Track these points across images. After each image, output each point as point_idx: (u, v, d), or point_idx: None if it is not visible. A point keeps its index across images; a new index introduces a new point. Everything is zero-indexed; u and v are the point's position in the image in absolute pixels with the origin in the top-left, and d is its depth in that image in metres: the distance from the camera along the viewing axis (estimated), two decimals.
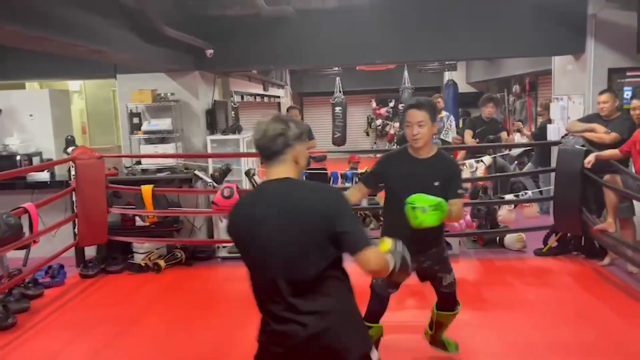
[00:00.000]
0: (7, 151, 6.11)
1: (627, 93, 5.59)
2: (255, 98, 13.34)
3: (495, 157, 6.21)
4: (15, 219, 4.30)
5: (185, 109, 6.25)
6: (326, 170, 6.82)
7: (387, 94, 15.62)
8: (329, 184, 6.29)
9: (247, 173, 5.77)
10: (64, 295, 4.98)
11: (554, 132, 6.13)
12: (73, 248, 5.54)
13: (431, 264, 3.09)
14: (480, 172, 5.88)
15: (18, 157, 6.05)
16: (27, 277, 4.87)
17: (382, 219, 3.79)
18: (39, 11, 3.26)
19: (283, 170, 1.90)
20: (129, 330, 4.17)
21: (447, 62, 11.09)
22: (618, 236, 4.89)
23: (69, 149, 5.80)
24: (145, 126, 6.10)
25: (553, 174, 5.60)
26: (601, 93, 5.21)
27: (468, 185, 6.58)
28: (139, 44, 4.65)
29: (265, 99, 14.20)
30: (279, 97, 14.26)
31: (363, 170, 5.19)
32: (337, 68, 11.54)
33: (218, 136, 6.33)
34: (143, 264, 5.53)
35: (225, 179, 5.62)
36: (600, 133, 5.06)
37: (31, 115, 6.51)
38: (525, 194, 5.93)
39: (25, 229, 4.48)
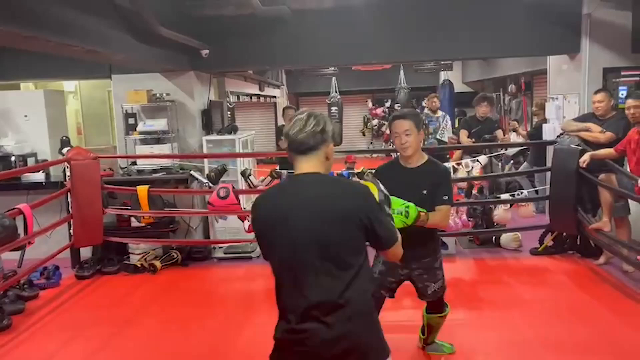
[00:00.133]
0: (2, 152, 6.07)
1: (622, 92, 5.60)
2: (251, 98, 13.36)
3: (491, 156, 6.22)
4: (10, 220, 4.28)
5: (180, 109, 6.24)
6: None
7: (383, 94, 15.64)
8: None
9: (243, 173, 5.78)
10: (59, 296, 4.96)
11: (549, 132, 6.15)
12: (68, 249, 5.52)
13: (421, 272, 3.15)
14: (476, 172, 5.90)
15: (13, 158, 6.03)
16: (22, 279, 4.85)
17: None
18: (34, 11, 3.24)
19: (315, 165, 1.91)
20: (124, 332, 4.16)
21: (443, 62, 11.10)
22: (613, 235, 4.91)
23: (64, 150, 5.78)
24: (140, 127, 6.08)
25: (549, 174, 5.61)
26: (596, 92, 5.23)
27: (464, 184, 6.60)
28: (134, 44, 4.64)
29: (261, 99, 14.21)
30: (275, 97, 14.27)
31: (359, 171, 5.19)
32: (333, 68, 11.53)
33: (214, 136, 6.32)
34: (139, 265, 5.52)
35: (221, 179, 5.61)
36: (596, 132, 5.07)
37: (26, 116, 6.49)
38: (521, 193, 5.94)
39: (20, 230, 4.46)
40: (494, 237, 5.93)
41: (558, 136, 5.62)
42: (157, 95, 6.06)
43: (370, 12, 5.91)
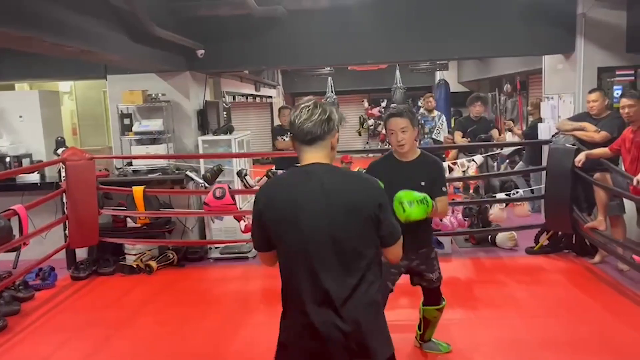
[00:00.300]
0: None
1: (617, 92, 5.63)
2: (247, 98, 13.35)
3: (486, 156, 6.23)
4: (4, 221, 4.27)
5: (176, 109, 6.22)
6: None
7: (379, 93, 15.66)
8: None
9: (239, 173, 5.77)
10: (54, 297, 4.95)
11: (544, 131, 6.16)
12: (64, 250, 5.50)
13: (419, 263, 3.22)
14: (472, 171, 5.91)
15: (8, 159, 6.00)
16: (18, 280, 4.83)
17: None
18: (28, 11, 3.23)
19: (322, 155, 1.89)
20: (120, 333, 4.15)
21: (438, 62, 11.13)
22: (608, 234, 4.92)
23: (59, 150, 5.76)
24: (136, 127, 6.07)
25: (544, 173, 5.63)
26: (591, 92, 5.25)
27: (460, 184, 6.61)
28: (129, 45, 4.63)
29: (257, 99, 14.20)
30: (271, 97, 14.26)
31: (355, 170, 5.20)
32: (329, 68, 11.55)
33: (209, 137, 6.31)
34: (135, 266, 5.51)
35: (217, 179, 5.60)
36: (591, 132, 5.09)
37: (21, 117, 6.46)
38: (517, 192, 5.95)
39: (15, 231, 4.45)
40: (489, 237, 5.94)
41: (553, 135, 5.64)
42: (153, 95, 6.05)
43: (366, 12, 5.91)
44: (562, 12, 5.88)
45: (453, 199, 6.79)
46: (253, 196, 6.73)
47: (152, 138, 6.03)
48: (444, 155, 7.40)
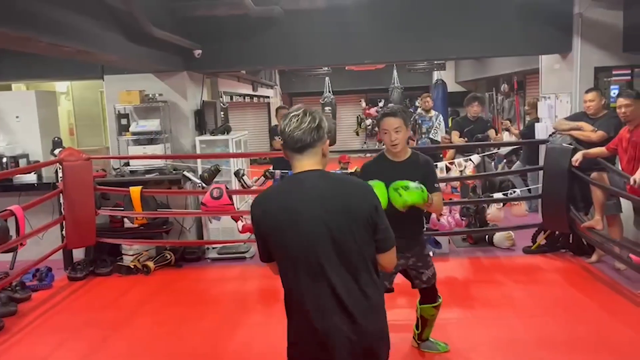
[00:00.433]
0: None
1: (614, 91, 5.64)
2: (244, 98, 13.35)
3: (484, 155, 6.24)
4: (1, 221, 4.27)
5: (173, 109, 6.22)
6: None
7: (376, 93, 15.66)
8: None
9: (237, 173, 5.77)
10: (52, 298, 4.94)
11: (541, 131, 6.18)
12: (61, 250, 5.49)
13: (415, 261, 3.26)
14: (469, 171, 5.92)
15: (4, 159, 5.99)
16: (15, 280, 4.82)
17: None
18: (24, 12, 3.22)
19: (314, 162, 1.90)
20: (118, 333, 4.14)
21: (436, 62, 11.14)
22: (605, 233, 4.93)
23: (56, 151, 5.75)
24: (133, 127, 6.06)
25: (541, 172, 5.64)
26: (587, 92, 5.26)
27: (457, 183, 6.61)
28: (126, 45, 4.62)
29: (255, 99, 14.20)
30: (268, 97, 14.26)
31: (353, 170, 5.19)
32: (326, 68, 11.55)
33: (207, 137, 6.31)
34: (132, 266, 5.50)
35: (215, 179, 5.60)
36: (587, 131, 5.10)
37: (17, 117, 6.45)
38: (514, 192, 5.96)
39: (12, 232, 4.44)
40: (487, 236, 5.95)
41: (550, 135, 5.65)
42: (150, 95, 6.04)
43: (363, 12, 5.92)
44: (559, 12, 5.90)
45: (450, 199, 6.81)
46: (251, 196, 6.70)
47: (150, 138, 6.02)
48: (441, 155, 7.41)
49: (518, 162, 7.40)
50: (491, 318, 4.12)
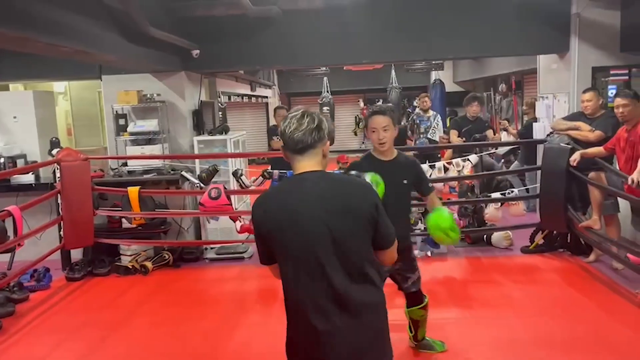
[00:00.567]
0: None
1: (612, 91, 5.65)
2: (242, 98, 13.34)
3: (482, 155, 6.25)
4: None
5: (171, 109, 6.21)
6: None
7: (374, 93, 15.65)
8: None
9: (235, 173, 5.77)
10: (49, 298, 4.93)
11: (539, 131, 6.18)
12: (59, 251, 5.48)
13: (401, 265, 3.22)
14: (467, 171, 5.92)
15: (2, 160, 5.98)
16: (12, 281, 4.81)
17: None
18: (22, 11, 3.21)
19: (313, 163, 1.90)
20: (116, 334, 4.14)
21: (434, 62, 11.14)
22: (603, 233, 4.94)
23: (54, 151, 5.74)
24: (131, 127, 6.05)
25: (539, 172, 5.65)
26: (585, 92, 5.27)
27: (455, 183, 6.62)
28: (124, 45, 4.61)
29: (253, 99, 14.20)
30: (266, 97, 14.26)
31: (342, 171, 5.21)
32: (324, 68, 11.54)
33: (205, 137, 6.30)
34: (130, 266, 5.50)
35: (213, 179, 5.60)
36: (585, 131, 5.11)
37: (15, 117, 6.44)
38: (512, 192, 5.97)
39: (10, 232, 4.43)
40: (485, 236, 5.96)
41: (548, 135, 5.66)
42: (148, 95, 6.04)
43: (361, 12, 5.92)
44: (557, 11, 5.91)
45: (448, 199, 6.81)
46: (249, 196, 6.69)
47: (147, 138, 6.01)
48: (439, 155, 7.42)
49: (516, 162, 7.41)
50: (489, 318, 4.13)
